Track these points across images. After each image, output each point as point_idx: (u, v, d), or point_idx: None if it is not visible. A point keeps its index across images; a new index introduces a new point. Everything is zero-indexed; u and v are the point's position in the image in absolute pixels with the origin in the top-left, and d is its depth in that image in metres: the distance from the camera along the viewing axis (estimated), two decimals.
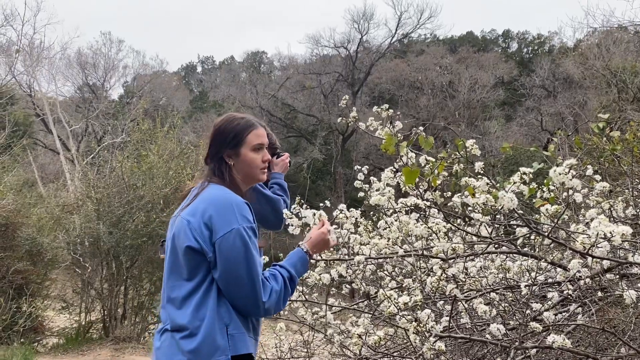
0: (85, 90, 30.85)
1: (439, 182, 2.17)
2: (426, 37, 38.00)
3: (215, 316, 1.73)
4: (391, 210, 3.37)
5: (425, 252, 2.57)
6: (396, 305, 1.79)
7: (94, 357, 7.88)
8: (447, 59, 33.15)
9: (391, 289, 2.68)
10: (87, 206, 9.63)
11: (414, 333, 1.77)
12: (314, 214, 2.54)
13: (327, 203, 3.52)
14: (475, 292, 2.29)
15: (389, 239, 2.53)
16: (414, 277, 2.40)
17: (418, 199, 2.23)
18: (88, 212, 9.57)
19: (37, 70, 23.90)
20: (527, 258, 2.75)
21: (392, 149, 2.25)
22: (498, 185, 1.94)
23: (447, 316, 2.36)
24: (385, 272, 3.52)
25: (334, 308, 2.93)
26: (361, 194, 3.75)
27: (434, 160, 2.09)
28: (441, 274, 2.02)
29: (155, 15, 68.39)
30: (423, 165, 2.17)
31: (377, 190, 2.58)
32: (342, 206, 2.68)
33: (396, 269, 3.66)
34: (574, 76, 26.72)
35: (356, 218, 3.54)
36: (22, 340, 6.73)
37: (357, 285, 2.85)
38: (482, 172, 2.01)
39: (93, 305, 9.78)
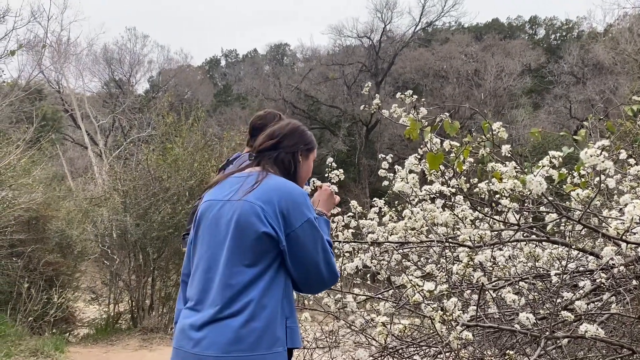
0: (111, 85, 31.31)
1: (464, 167, 2.10)
2: (450, 25, 37.41)
3: (279, 307, 1.76)
4: (416, 199, 3.32)
5: (450, 240, 2.52)
6: (421, 293, 1.74)
7: (123, 347, 8.02)
8: (473, 47, 32.58)
9: (416, 278, 2.63)
10: (114, 199, 9.78)
11: (440, 322, 1.72)
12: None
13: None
14: (503, 280, 2.22)
15: (413, 228, 2.48)
16: (439, 265, 2.34)
17: (443, 186, 2.16)
18: (115, 204, 9.72)
19: (64, 67, 24.38)
20: (557, 246, 2.67)
21: (415, 135, 2.19)
22: (526, 170, 1.86)
23: (474, 305, 2.31)
24: (411, 261, 3.47)
25: (358, 297, 2.89)
26: (385, 182, 3.71)
27: (458, 145, 2.02)
28: (468, 262, 1.96)
29: (179, 9, 68.84)
30: (448, 150, 2.10)
31: (400, 177, 2.52)
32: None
33: (422, 258, 3.61)
34: (604, 62, 26.03)
35: (380, 207, 3.51)
36: (53, 330, 6.87)
37: (382, 275, 2.80)
38: (509, 155, 1.93)
39: (121, 296, 9.95)
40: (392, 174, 3.80)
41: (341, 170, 2.66)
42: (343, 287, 2.89)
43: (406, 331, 2.24)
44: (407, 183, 2.35)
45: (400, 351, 2.28)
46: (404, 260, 3.42)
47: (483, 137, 1.96)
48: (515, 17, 40.23)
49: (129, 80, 31.28)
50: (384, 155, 3.80)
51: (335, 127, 31.80)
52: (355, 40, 33.34)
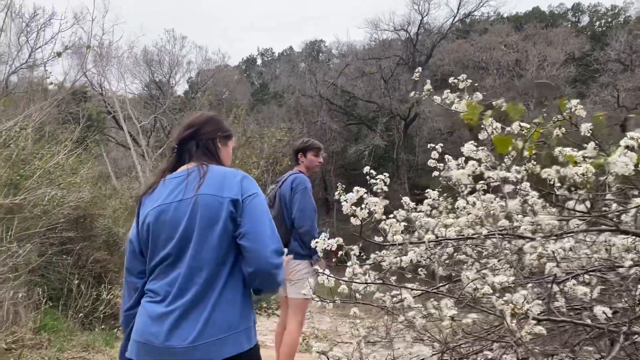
0: (152, 87, 31.94)
1: (527, 152, 1.97)
2: (489, 15, 36.57)
3: (241, 297, 1.91)
4: (468, 189, 3.17)
5: (509, 233, 2.38)
6: (491, 286, 1.63)
7: None
8: (513, 36, 31.73)
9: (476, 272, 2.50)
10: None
11: (510, 316, 1.60)
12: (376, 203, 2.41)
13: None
14: (573, 271, 2.07)
15: (469, 221, 2.35)
16: (500, 258, 2.21)
17: (507, 172, 2.03)
18: None
19: (107, 70, 24.96)
20: (626, 236, 2.48)
21: (476, 119, 2.07)
22: (608, 151, 1.71)
23: (540, 299, 2.17)
24: (464, 254, 3.32)
25: (413, 292, 2.77)
26: (435, 173, 3.57)
27: (528, 126, 1.88)
28: (539, 252, 1.83)
29: (215, 10, 69.74)
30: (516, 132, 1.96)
31: (457, 165, 2.39)
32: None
33: (474, 252, 3.46)
34: None
35: (433, 199, 3.38)
36: (102, 326, 7.00)
37: (440, 271, 2.68)
38: (589, 135, 1.78)
39: None
40: (441, 165, 3.68)
41: (386, 174, 2.55)
42: (396, 282, 2.79)
43: (468, 327, 2.12)
44: (466, 170, 2.22)
45: (465, 346, 2.17)
46: (455, 253, 3.29)
47: (558, 116, 1.82)
48: (557, 4, 39.00)
49: (168, 81, 31.86)
50: (433, 145, 3.67)
51: (373, 123, 31.54)
52: (392, 33, 33.00)
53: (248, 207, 1.88)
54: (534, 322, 1.65)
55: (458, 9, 32.44)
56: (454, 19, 33.05)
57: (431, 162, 3.63)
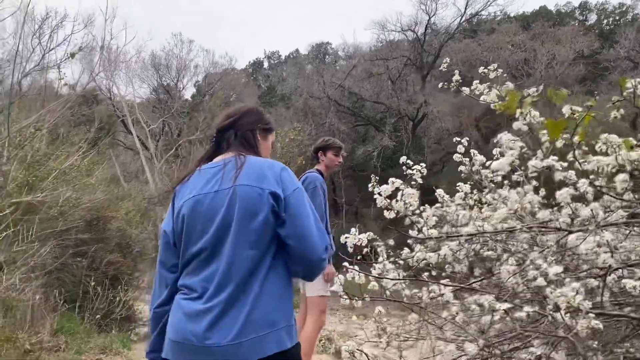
0: (160, 91, 31.98)
1: (580, 137, 1.88)
2: (496, 15, 36.38)
3: (284, 291, 1.84)
4: (493, 184, 3.09)
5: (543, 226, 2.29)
6: (545, 278, 1.54)
7: None
8: (520, 36, 31.53)
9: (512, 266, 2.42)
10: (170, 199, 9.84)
11: (565, 310, 1.52)
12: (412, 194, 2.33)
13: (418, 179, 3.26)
14: (628, 262, 1.98)
15: (509, 213, 2.27)
16: (545, 251, 2.12)
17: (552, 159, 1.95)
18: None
19: (115, 74, 25.02)
20: None
21: (514, 108, 1.99)
22: None
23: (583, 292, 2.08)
24: (490, 250, 3.24)
25: (447, 288, 2.68)
26: (462, 167, 3.49)
27: (580, 109, 1.80)
28: (593, 242, 1.74)
29: (222, 13, 69.92)
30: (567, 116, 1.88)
31: (500, 152, 2.31)
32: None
33: (503, 247, 3.37)
34: None
35: (466, 193, 3.30)
36: (118, 328, 6.96)
37: (473, 266, 2.60)
38: None
39: None
40: (468, 159, 3.60)
41: (423, 164, 2.47)
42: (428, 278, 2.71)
43: (505, 324, 2.05)
44: (506, 160, 2.13)
45: (505, 343, 2.09)
46: (482, 249, 3.21)
47: (617, 97, 1.74)
48: (564, 3, 38.83)
49: (176, 85, 31.90)
50: (458, 139, 3.60)
51: (381, 124, 31.41)
52: (399, 34, 32.87)
53: (291, 204, 1.80)
54: (592, 316, 1.56)
55: (465, 8, 32.28)
56: (461, 19, 32.90)
57: (456, 157, 3.56)
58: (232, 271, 1.73)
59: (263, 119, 2.11)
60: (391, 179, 2.27)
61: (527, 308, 1.65)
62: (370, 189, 2.66)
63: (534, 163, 2.02)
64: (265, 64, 50.10)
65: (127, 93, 27.81)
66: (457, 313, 1.99)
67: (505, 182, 3.05)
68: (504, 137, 2.25)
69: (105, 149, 12.02)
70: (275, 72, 46.25)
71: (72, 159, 6.17)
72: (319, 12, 70.40)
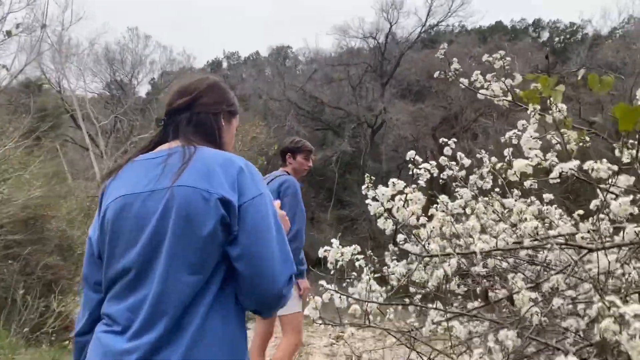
0: (113, 87, 30.81)
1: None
2: (454, 27, 37.06)
3: (233, 325, 1.41)
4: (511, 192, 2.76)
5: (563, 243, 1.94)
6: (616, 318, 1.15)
7: None
8: (479, 48, 32.18)
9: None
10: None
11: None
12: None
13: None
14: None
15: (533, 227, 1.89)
16: (568, 272, 1.77)
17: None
18: None
19: (65, 67, 23.77)
20: None
21: (547, 92, 1.62)
22: None
23: None
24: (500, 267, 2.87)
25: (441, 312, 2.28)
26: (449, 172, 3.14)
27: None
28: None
29: (182, 10, 68.45)
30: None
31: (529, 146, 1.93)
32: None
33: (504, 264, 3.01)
34: (614, 63, 25.63)
35: (466, 200, 2.92)
36: (52, 338, 6.27)
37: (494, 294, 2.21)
38: None
39: None
40: (454, 162, 3.29)
41: (432, 162, 2.09)
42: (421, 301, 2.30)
43: None
44: (531, 160, 1.76)
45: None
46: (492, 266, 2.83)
47: None
48: (518, 19, 40.10)
49: (130, 81, 30.79)
50: (446, 140, 3.27)
51: (340, 129, 31.36)
52: (360, 41, 32.93)
53: (249, 215, 1.34)
54: None
55: (427, 18, 32.64)
56: (422, 28, 33.26)
57: (443, 160, 3.24)
58: (165, 301, 1.29)
59: (228, 99, 1.63)
60: (392, 180, 1.86)
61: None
62: (364, 192, 2.24)
63: (567, 165, 1.64)
64: (225, 64, 49.27)
65: (78, 87, 26.45)
66: (481, 356, 1.55)
67: (515, 190, 2.72)
68: (525, 136, 1.87)
69: (49, 142, 11.16)
70: (234, 73, 45.48)
71: (3, 149, 5.48)
72: (280, 15, 70.02)
